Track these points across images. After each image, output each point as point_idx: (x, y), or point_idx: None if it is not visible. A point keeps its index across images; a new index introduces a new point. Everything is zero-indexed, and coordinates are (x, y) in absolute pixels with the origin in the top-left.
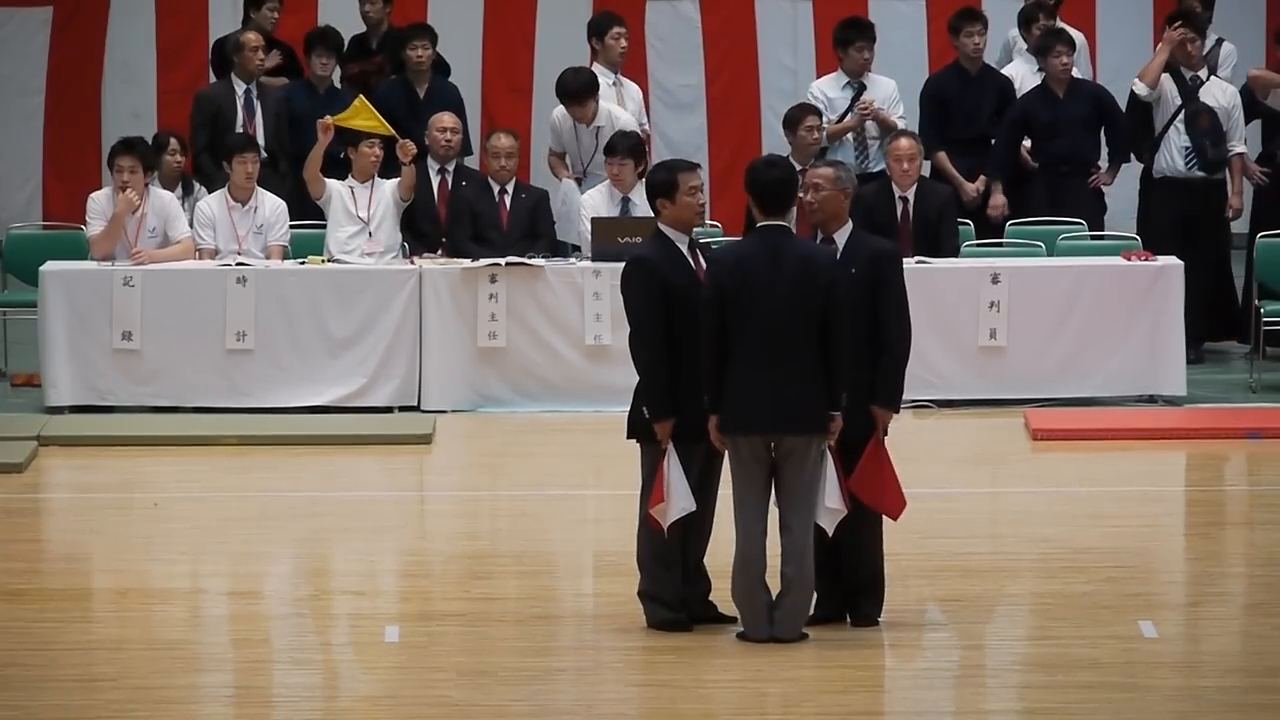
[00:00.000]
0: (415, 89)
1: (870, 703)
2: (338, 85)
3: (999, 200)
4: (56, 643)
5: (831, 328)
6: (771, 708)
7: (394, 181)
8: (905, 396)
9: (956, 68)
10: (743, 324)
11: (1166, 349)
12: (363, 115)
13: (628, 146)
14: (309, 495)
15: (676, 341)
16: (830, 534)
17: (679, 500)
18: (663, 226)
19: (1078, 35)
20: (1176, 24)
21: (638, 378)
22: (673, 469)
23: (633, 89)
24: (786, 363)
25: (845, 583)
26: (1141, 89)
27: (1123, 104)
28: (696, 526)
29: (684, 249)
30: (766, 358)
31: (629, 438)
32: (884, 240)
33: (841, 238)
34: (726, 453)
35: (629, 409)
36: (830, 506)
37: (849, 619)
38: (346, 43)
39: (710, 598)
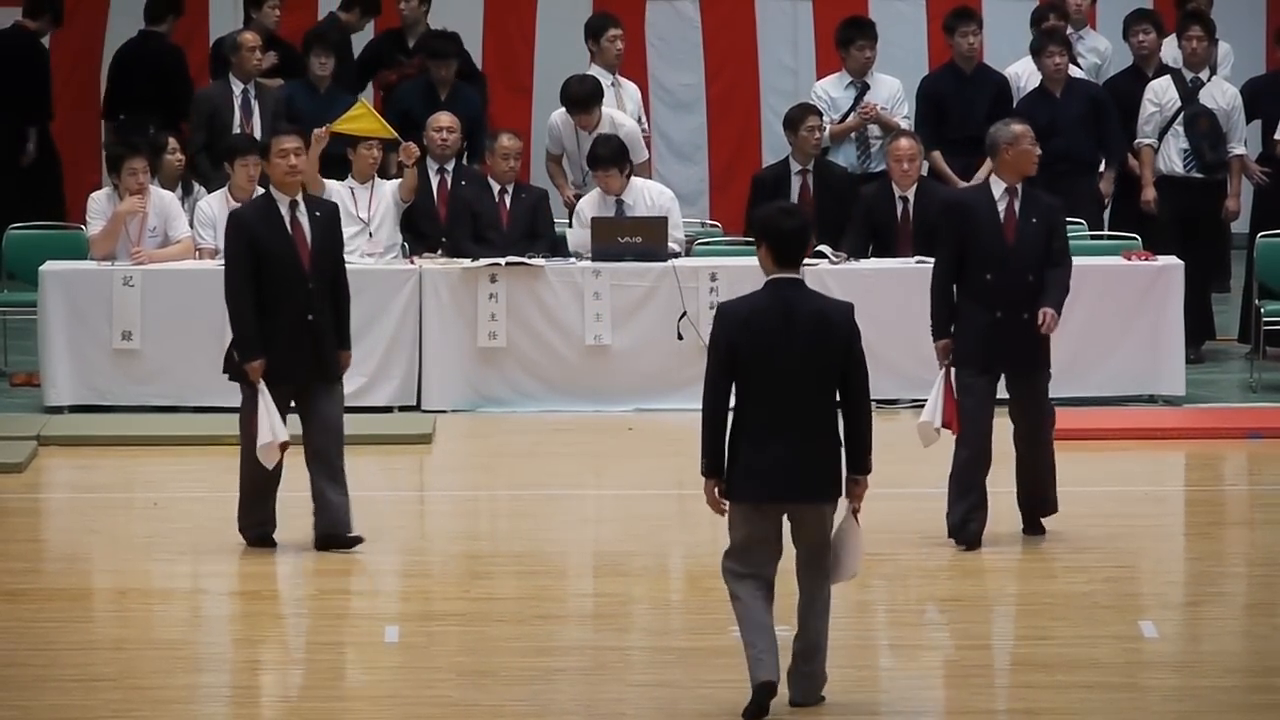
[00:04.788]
0: (437, 91)
1: (870, 703)
2: (335, 84)
3: None
4: (56, 643)
5: (853, 387)
6: (772, 708)
7: (394, 182)
8: (905, 396)
9: (952, 67)
10: (755, 384)
11: (1166, 349)
12: (364, 120)
13: (609, 155)
14: (309, 495)
15: (264, 292)
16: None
17: (271, 431)
18: (272, 188)
19: (1101, 40)
20: None
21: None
22: (265, 404)
23: (631, 89)
24: (802, 426)
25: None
26: None
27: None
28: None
29: (284, 209)
30: (782, 421)
31: (224, 374)
32: (1049, 195)
33: (1020, 187)
34: (727, 517)
35: (225, 350)
36: (853, 572)
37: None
38: (377, 40)
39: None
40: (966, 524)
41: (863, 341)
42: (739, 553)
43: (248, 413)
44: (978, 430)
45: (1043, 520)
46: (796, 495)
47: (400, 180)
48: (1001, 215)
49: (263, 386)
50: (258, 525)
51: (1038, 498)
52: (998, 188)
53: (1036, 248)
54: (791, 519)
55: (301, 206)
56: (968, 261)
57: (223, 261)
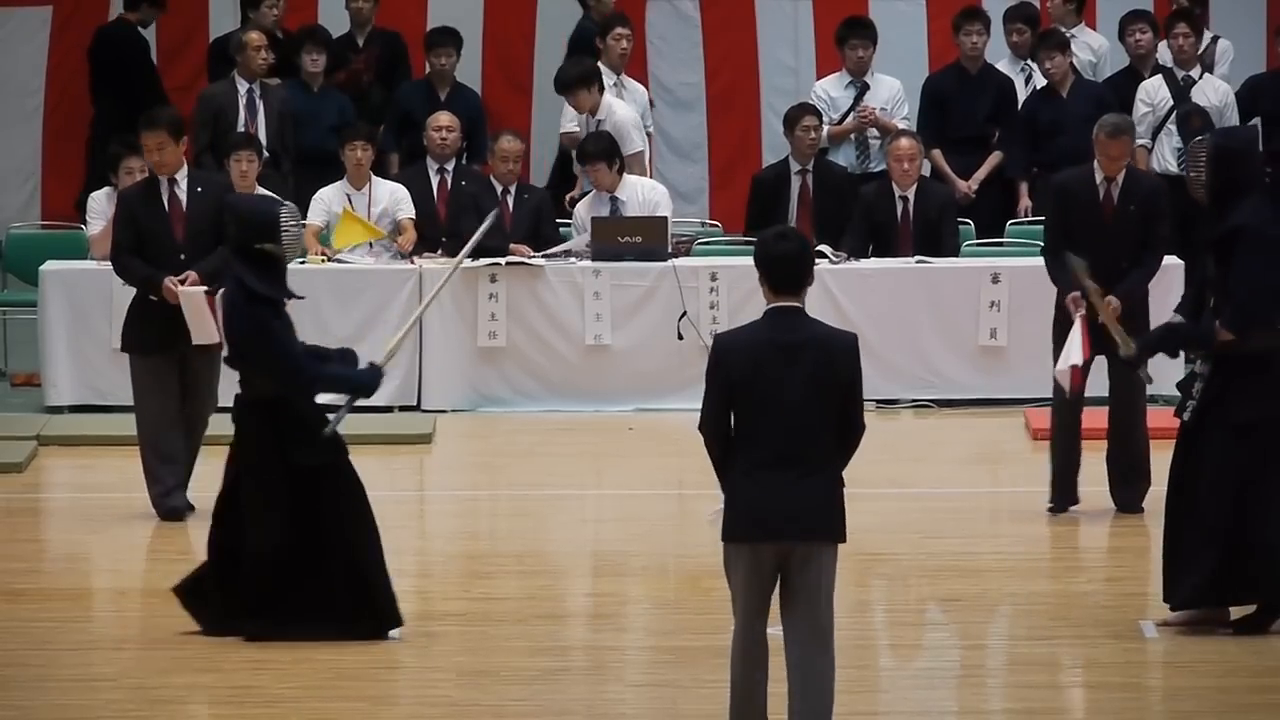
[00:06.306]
0: (437, 91)
1: (870, 703)
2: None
3: (1026, 202)
4: (56, 643)
5: (848, 425)
6: (772, 708)
7: (394, 185)
8: (905, 397)
9: (957, 67)
10: (755, 420)
11: None
12: (352, 232)
13: (596, 150)
14: None
15: (148, 264)
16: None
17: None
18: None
19: (1096, 38)
20: None
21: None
22: (188, 301)
23: (637, 90)
24: (804, 462)
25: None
26: None
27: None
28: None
29: (164, 186)
30: (782, 457)
31: (122, 350)
32: (1154, 177)
33: (1121, 175)
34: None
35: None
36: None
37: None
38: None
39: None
40: (1062, 486)
41: (863, 342)
42: (736, 591)
43: (139, 389)
44: (1072, 399)
45: (1139, 491)
46: (796, 534)
47: (400, 181)
48: (1100, 200)
49: (181, 289)
50: (159, 496)
51: (1128, 465)
52: (1098, 174)
53: (1131, 234)
54: (787, 564)
55: (181, 185)
56: (1069, 243)
57: None
